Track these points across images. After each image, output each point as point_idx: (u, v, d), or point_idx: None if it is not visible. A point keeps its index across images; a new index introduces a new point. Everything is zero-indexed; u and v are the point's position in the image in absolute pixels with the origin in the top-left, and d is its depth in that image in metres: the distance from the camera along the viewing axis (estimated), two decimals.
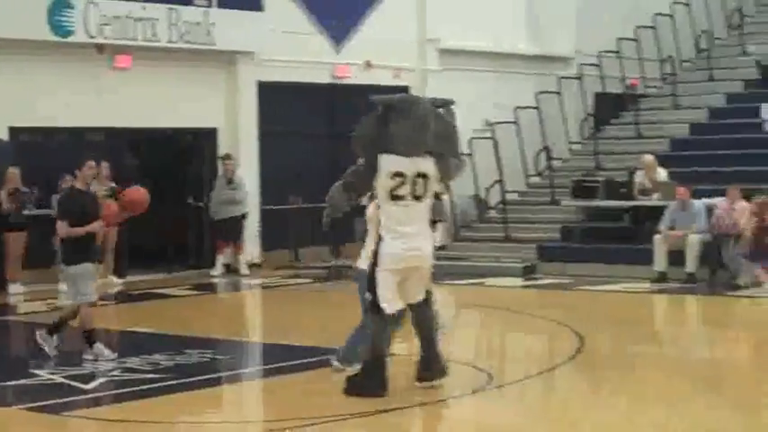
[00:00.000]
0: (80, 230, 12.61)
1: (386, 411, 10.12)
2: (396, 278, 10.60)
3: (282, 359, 12.81)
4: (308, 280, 21.03)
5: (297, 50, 23.25)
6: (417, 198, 10.54)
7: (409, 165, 10.49)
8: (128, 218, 13.70)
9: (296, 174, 23.34)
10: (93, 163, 13.00)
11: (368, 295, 10.68)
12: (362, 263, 11.11)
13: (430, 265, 10.83)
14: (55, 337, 12.94)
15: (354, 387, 10.66)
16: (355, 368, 11.02)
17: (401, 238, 10.54)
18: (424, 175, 10.53)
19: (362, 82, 24.03)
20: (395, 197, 10.50)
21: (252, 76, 22.95)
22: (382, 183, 10.53)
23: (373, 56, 24.40)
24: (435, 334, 10.99)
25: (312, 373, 12.01)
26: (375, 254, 10.62)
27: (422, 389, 10.78)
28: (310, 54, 23.57)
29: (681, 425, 9.83)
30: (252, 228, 22.71)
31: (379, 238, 10.63)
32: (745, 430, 9.74)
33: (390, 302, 10.57)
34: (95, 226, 12.73)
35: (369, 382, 10.61)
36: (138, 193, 13.14)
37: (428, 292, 10.92)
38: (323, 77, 24.01)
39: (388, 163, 10.49)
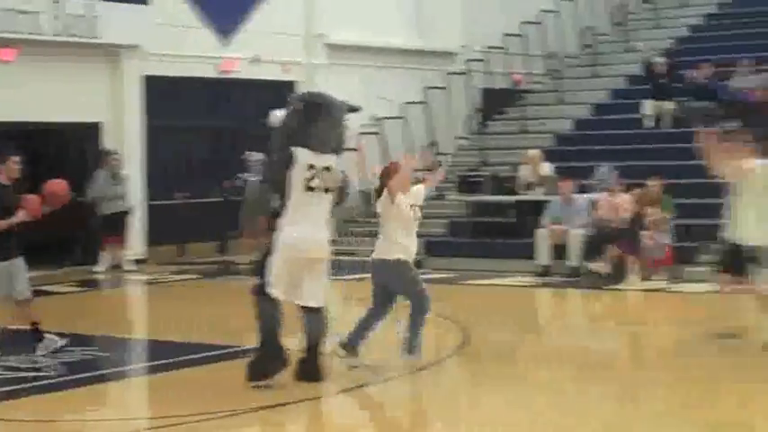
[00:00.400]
0: (3, 224, 12.39)
1: (270, 407, 10.14)
2: (293, 268, 10.70)
3: (167, 356, 12.76)
4: (194, 276, 20.94)
5: (183, 44, 23.12)
6: (323, 191, 10.82)
7: (319, 159, 10.76)
8: (48, 212, 13.42)
9: (183, 169, 23.23)
10: (17, 158, 12.79)
11: (257, 279, 10.80)
12: (381, 253, 11.85)
13: (326, 257, 10.95)
14: None
15: (257, 373, 10.74)
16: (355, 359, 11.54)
17: (302, 228, 10.71)
18: (329, 170, 10.82)
19: (250, 76, 24.01)
20: (309, 188, 10.73)
21: (137, 70, 22.77)
22: (299, 174, 10.70)
23: (261, 50, 24.35)
24: (322, 341, 11.05)
25: (197, 369, 11.98)
26: (272, 242, 10.75)
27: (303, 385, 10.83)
28: (197, 48, 23.45)
29: (567, 416, 9.99)
30: (137, 223, 22.54)
31: (280, 228, 10.74)
32: (628, 419, 9.93)
33: (277, 287, 10.67)
34: (21, 216, 12.49)
35: (270, 364, 10.74)
36: (59, 186, 12.97)
37: (324, 300, 11.03)
38: (210, 72, 23.91)
39: (304, 156, 10.71)
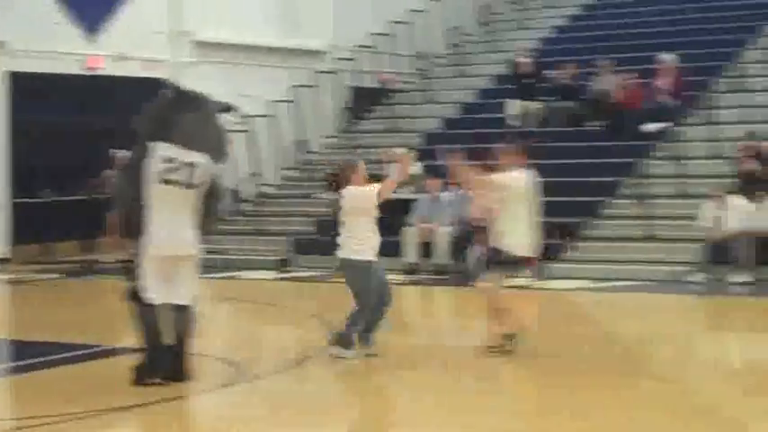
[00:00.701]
0: None
1: (138, 406, 10.06)
2: (162, 267, 10.64)
3: (31, 356, 12.57)
4: (58, 275, 20.65)
5: (49, 40, 22.78)
6: (186, 186, 10.65)
7: (181, 153, 10.61)
8: None
9: (49, 166, 22.89)
10: None
11: (130, 284, 10.71)
12: (345, 252, 11.88)
13: (196, 255, 10.88)
14: None
15: (142, 375, 10.70)
16: (350, 353, 11.72)
17: (168, 227, 10.61)
18: (193, 165, 10.65)
19: (116, 73, 23.75)
20: (165, 181, 10.58)
21: (1, 67, 22.38)
22: (154, 166, 10.56)
23: (127, 47, 24.09)
24: (190, 340, 10.98)
25: (61, 369, 11.84)
26: (139, 245, 10.62)
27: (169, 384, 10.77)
28: (62, 44, 23.13)
29: (438, 410, 10.09)
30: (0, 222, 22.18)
31: (145, 229, 10.61)
32: (506, 412, 10.05)
33: (150, 291, 10.61)
34: None
35: (155, 366, 10.71)
36: None
37: (194, 299, 10.95)
38: (76, 69, 23.58)
39: (163, 148, 10.57)
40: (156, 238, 10.59)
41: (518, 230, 12.23)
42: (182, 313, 10.84)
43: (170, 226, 10.63)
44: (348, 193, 11.90)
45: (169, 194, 10.59)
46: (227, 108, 11.28)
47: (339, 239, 11.97)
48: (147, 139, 10.64)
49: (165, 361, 10.74)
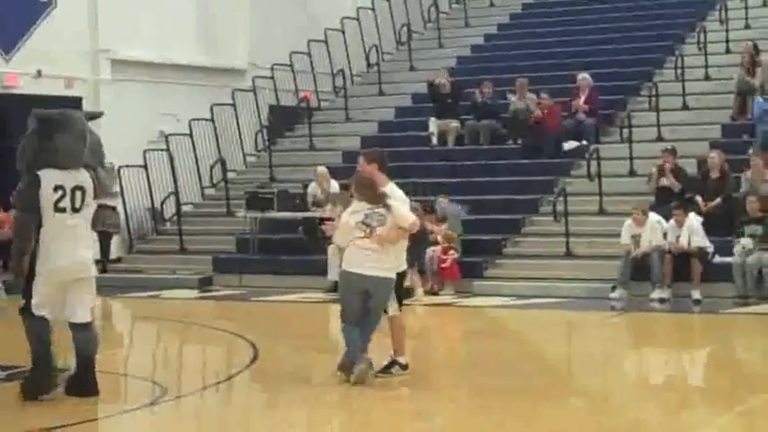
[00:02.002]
0: None
1: (59, 427, 9.84)
2: (54, 288, 10.53)
3: None
4: None
5: None
6: (76, 210, 10.58)
7: (68, 178, 10.54)
8: None
9: None
10: None
11: (22, 302, 10.62)
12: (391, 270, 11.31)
13: (92, 276, 10.75)
14: None
15: (31, 391, 10.55)
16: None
17: (63, 250, 10.49)
18: (80, 188, 10.59)
19: (33, 92, 23.39)
20: (58, 209, 10.48)
21: None
22: (46, 196, 10.46)
23: (44, 65, 23.74)
24: (94, 356, 10.81)
25: None
26: (34, 265, 10.49)
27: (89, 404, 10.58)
28: None
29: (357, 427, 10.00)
30: None
31: (39, 251, 10.48)
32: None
33: (43, 308, 10.51)
34: None
35: (43, 382, 10.59)
36: None
37: (92, 314, 10.79)
38: None
39: (50, 176, 10.48)
40: (51, 261, 10.47)
41: None
42: (82, 331, 10.70)
43: (65, 249, 10.52)
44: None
45: (62, 221, 10.50)
46: (94, 116, 11.15)
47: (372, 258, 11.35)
48: (35, 170, 10.53)
49: (49, 379, 10.60)
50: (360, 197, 11.52)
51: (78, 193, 10.58)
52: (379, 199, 11.36)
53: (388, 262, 11.37)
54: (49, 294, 10.54)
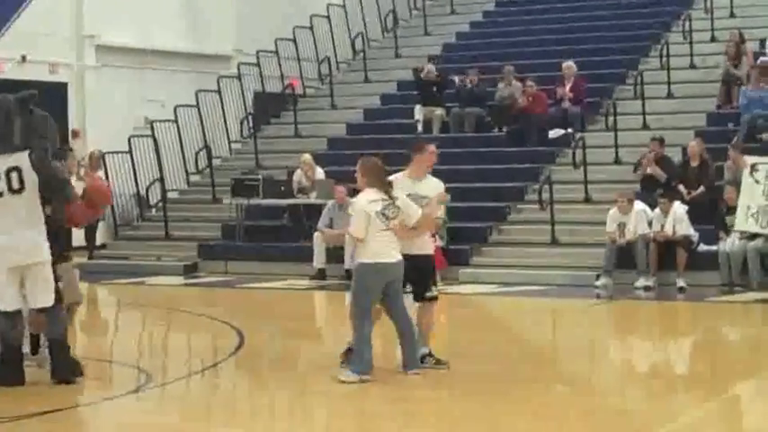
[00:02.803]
0: None
1: (41, 414, 9.84)
2: (8, 277, 10.52)
3: None
4: None
5: None
6: (15, 191, 10.51)
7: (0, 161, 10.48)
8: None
9: None
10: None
11: None
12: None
13: (46, 260, 10.66)
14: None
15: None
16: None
17: (7, 236, 10.48)
18: (16, 168, 10.49)
19: (17, 77, 23.33)
20: None
21: None
22: None
23: (29, 50, 23.71)
24: (64, 339, 10.79)
25: None
26: None
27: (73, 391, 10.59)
28: None
29: (346, 418, 10.02)
30: None
31: None
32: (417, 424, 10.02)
33: (2, 300, 10.53)
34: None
35: (8, 373, 10.61)
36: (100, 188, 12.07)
37: (58, 297, 10.77)
38: None
39: None
40: None
41: None
42: (48, 316, 10.69)
43: (8, 236, 10.48)
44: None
45: (1, 206, 10.46)
46: (28, 97, 11.01)
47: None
48: None
49: (16, 369, 10.65)
50: (370, 182, 11.22)
51: (15, 175, 10.45)
52: (386, 187, 11.22)
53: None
54: (3, 284, 10.50)
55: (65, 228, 11.40)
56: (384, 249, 10.99)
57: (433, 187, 11.58)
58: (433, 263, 11.67)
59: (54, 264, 10.80)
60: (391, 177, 11.38)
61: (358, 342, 10.99)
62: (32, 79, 23.44)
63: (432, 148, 11.83)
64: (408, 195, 11.21)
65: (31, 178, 10.53)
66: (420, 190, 11.40)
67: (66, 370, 10.78)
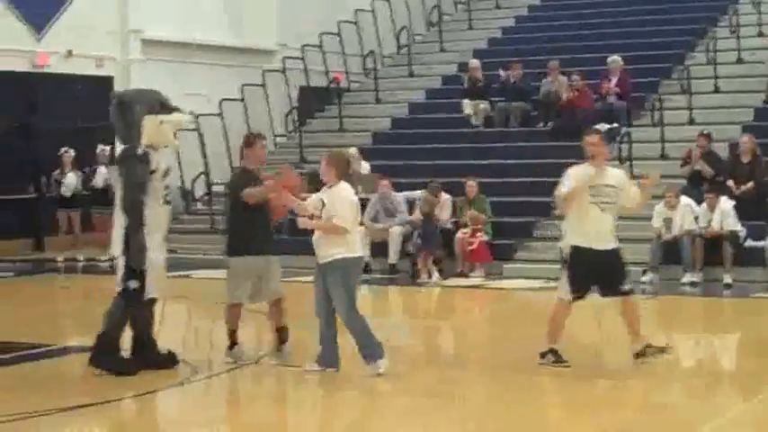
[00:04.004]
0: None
1: (85, 406, 9.97)
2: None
3: None
4: (8, 274, 20.39)
5: None
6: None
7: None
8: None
9: None
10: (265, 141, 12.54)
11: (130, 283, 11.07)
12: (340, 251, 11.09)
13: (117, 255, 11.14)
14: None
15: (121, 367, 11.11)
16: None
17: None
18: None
19: (63, 71, 23.58)
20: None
21: None
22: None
23: (75, 44, 23.92)
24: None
25: (11, 369, 11.73)
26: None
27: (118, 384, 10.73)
28: (8, 41, 22.90)
29: (385, 417, 10.07)
30: None
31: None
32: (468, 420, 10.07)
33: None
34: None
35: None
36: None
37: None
38: (23, 66, 23.36)
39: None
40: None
41: None
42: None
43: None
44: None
45: None
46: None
47: None
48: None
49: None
50: (340, 175, 11.36)
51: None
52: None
53: None
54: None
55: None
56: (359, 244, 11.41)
57: (617, 176, 11.62)
58: (622, 256, 11.58)
59: None
60: (572, 169, 11.53)
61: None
62: (78, 73, 23.70)
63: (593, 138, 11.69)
64: (596, 186, 11.26)
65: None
66: (605, 180, 11.43)
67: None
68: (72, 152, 22.71)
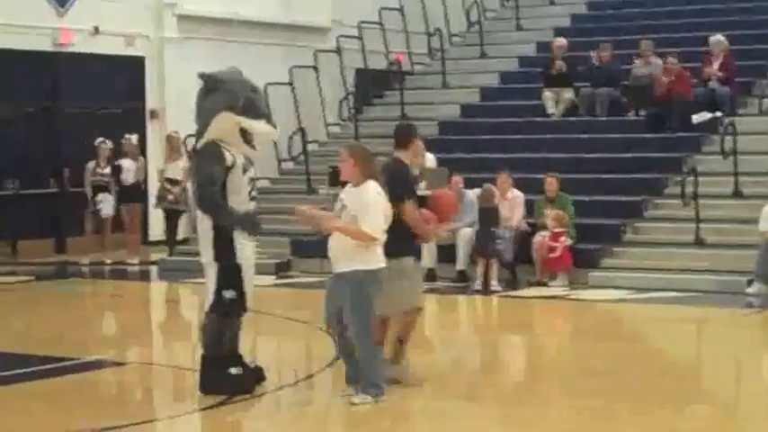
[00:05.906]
0: None
1: (131, 425, 10.16)
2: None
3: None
4: (28, 277, 20.66)
5: (15, 13, 22.82)
6: None
7: None
8: None
9: (13, 154, 22.95)
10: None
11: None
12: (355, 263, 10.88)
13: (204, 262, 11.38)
14: None
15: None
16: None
17: None
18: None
19: (89, 50, 23.81)
20: None
21: None
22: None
23: (102, 21, 24.15)
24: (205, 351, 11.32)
25: (41, 384, 11.95)
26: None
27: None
28: (30, 17, 23.18)
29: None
30: None
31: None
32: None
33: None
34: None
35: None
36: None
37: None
38: (44, 45, 23.63)
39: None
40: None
41: None
42: None
43: None
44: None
45: None
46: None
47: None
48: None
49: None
50: (368, 173, 11.23)
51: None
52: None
53: None
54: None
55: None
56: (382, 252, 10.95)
57: None
58: None
59: None
60: None
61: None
62: (105, 53, 23.93)
63: None
64: None
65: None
66: None
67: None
68: (109, 143, 22.98)
